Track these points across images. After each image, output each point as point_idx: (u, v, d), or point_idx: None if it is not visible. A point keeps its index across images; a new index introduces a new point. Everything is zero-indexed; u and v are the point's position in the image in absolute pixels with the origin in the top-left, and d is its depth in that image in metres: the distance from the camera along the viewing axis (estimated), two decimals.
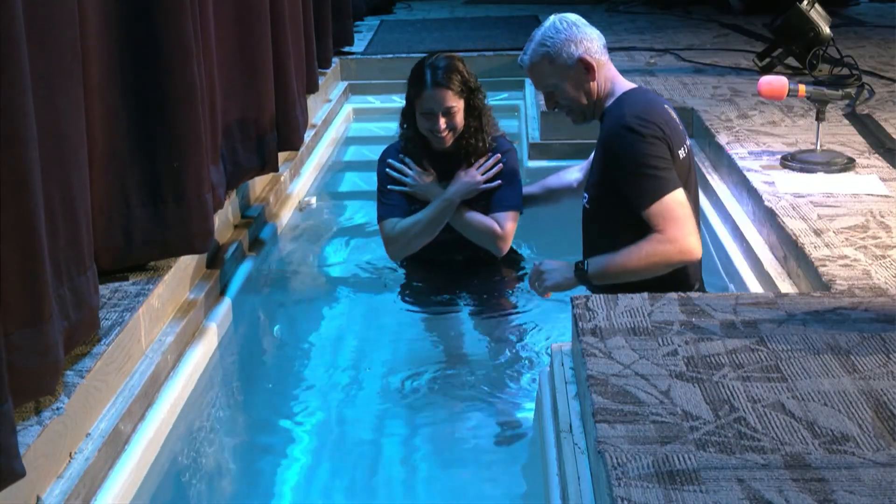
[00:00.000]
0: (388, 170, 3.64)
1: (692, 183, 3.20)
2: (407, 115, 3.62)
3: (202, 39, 3.28)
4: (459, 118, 3.52)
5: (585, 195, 3.26)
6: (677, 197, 3.02)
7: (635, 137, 3.01)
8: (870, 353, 2.37)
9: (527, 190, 3.73)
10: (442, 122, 3.48)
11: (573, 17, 3.21)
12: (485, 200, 3.61)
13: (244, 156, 3.95)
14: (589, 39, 3.15)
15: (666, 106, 3.18)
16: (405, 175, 3.60)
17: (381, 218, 3.64)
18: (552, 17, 3.20)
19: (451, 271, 3.73)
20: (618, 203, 3.06)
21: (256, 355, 3.52)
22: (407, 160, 3.62)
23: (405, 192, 3.61)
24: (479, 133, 3.57)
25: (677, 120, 3.18)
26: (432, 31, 8.26)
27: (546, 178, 3.81)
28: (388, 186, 3.62)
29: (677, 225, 2.99)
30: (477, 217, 3.59)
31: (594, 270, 3.09)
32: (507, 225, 3.58)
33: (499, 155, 3.59)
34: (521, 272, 3.80)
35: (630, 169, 3.02)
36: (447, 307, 3.68)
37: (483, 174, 3.56)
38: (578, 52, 3.12)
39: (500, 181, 3.58)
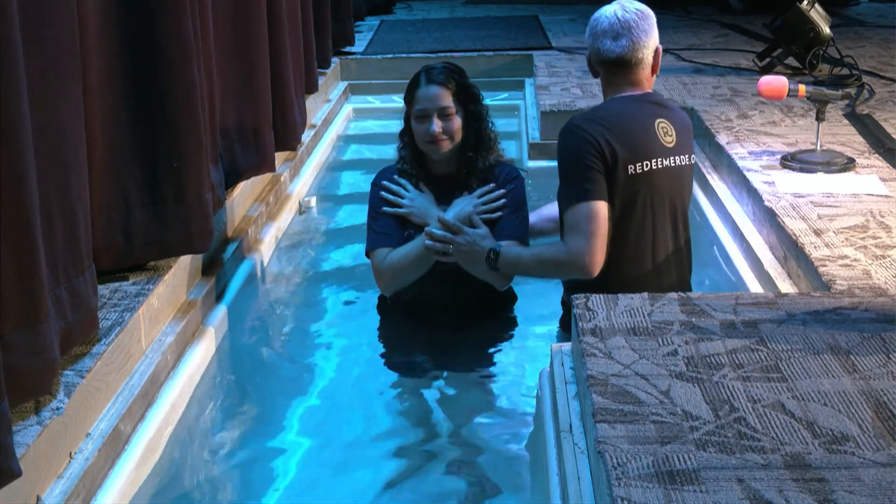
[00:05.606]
0: (381, 192, 3.34)
1: (643, 204, 3.02)
2: (404, 133, 3.36)
3: (201, 39, 3.28)
4: (457, 124, 3.24)
5: None
6: (592, 209, 2.94)
7: (571, 137, 3.01)
8: (870, 353, 2.37)
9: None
10: (437, 123, 3.20)
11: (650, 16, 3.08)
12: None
13: (241, 155, 3.95)
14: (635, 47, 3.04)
15: (660, 120, 3.06)
16: (400, 197, 3.31)
17: (370, 248, 3.32)
18: (649, 12, 3.08)
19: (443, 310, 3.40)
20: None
21: (256, 355, 3.52)
22: (402, 181, 3.34)
23: (399, 217, 3.30)
24: (480, 149, 3.29)
25: (661, 133, 3.05)
26: (432, 31, 8.26)
27: (542, 207, 3.58)
28: (382, 209, 3.32)
29: (579, 238, 2.95)
30: None
31: (504, 261, 3.12)
32: None
33: (503, 190, 3.28)
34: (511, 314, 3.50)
35: (562, 168, 3.05)
36: (441, 319, 3.42)
37: (485, 203, 3.25)
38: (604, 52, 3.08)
39: (500, 213, 3.26)
